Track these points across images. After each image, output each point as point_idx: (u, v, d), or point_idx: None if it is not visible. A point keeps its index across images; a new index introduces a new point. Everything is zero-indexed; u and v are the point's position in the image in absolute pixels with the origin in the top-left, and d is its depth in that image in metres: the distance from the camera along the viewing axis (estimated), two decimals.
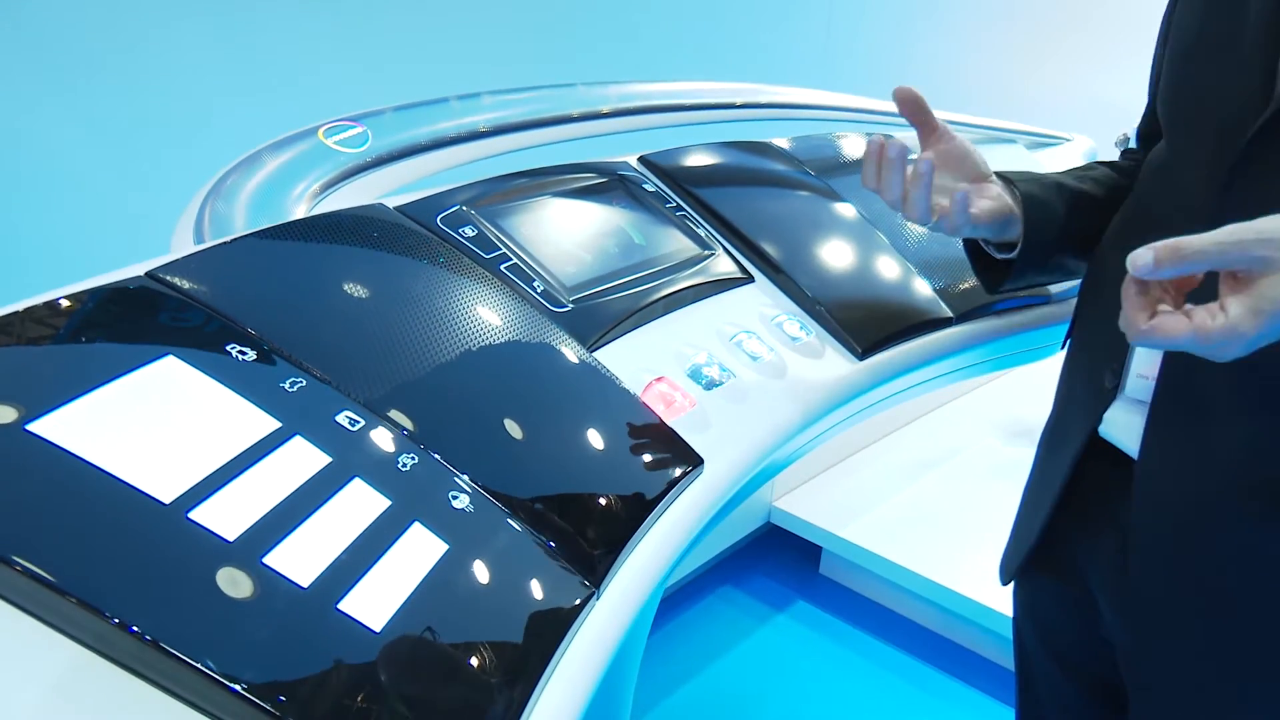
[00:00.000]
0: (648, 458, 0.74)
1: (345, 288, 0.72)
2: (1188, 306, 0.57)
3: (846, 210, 1.16)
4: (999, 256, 0.90)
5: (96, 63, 1.32)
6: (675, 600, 2.22)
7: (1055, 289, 1.16)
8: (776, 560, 2.38)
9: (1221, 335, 0.54)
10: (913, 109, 0.86)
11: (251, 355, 0.62)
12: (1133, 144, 0.96)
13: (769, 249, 1.04)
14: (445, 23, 1.64)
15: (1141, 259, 0.55)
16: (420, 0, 1.60)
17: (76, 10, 1.29)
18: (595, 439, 0.72)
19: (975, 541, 2.11)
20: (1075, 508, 0.82)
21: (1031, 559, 0.87)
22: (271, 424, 0.57)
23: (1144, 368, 0.72)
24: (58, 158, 1.31)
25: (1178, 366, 0.69)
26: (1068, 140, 1.67)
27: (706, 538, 1.94)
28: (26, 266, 1.31)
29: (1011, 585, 0.95)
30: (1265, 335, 0.54)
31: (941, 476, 2.43)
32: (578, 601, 0.60)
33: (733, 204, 1.09)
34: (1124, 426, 0.75)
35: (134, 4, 1.34)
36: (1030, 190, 0.86)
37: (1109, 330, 0.70)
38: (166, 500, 0.50)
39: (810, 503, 2.30)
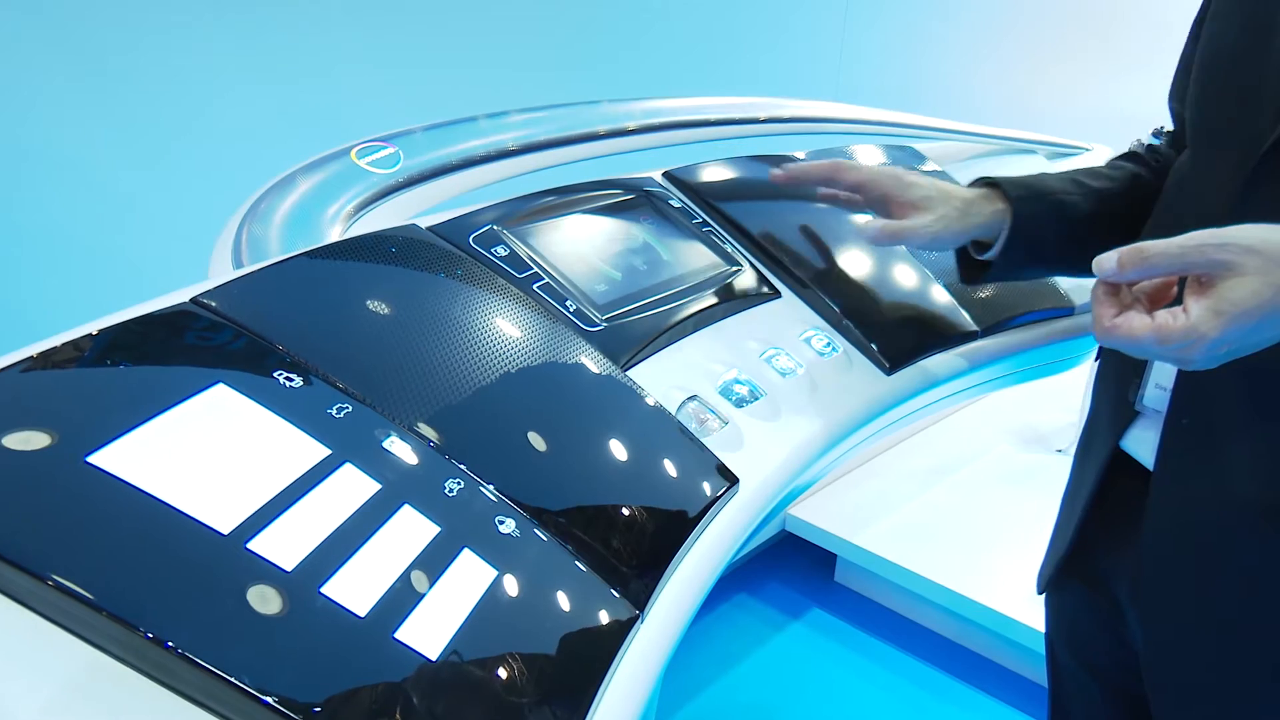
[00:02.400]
0: (686, 478, 0.74)
1: (384, 310, 0.72)
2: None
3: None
4: (977, 257, 0.94)
5: (109, 54, 1.31)
6: None
7: (1080, 301, 1.16)
8: (791, 567, 2.38)
9: (1181, 335, 0.55)
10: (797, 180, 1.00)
11: (298, 381, 0.62)
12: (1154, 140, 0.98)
13: (795, 264, 1.04)
14: (465, 29, 1.64)
15: (1107, 262, 0.58)
16: (441, 6, 1.60)
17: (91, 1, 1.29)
18: (635, 460, 0.73)
19: (990, 548, 2.11)
20: (1102, 520, 0.83)
21: (1063, 568, 0.88)
22: (322, 451, 0.58)
23: (1163, 378, 0.73)
24: (62, 148, 1.31)
25: (1190, 378, 0.70)
26: (1087, 150, 1.67)
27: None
28: (25, 260, 1.31)
29: (1036, 594, 0.96)
30: (1229, 339, 0.55)
31: (956, 483, 2.43)
32: (624, 625, 0.61)
33: (757, 219, 1.09)
34: (1143, 440, 0.77)
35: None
36: (1024, 211, 0.89)
37: None
38: (225, 531, 0.50)
39: (825, 510, 2.30)
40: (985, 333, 1.07)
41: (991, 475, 2.47)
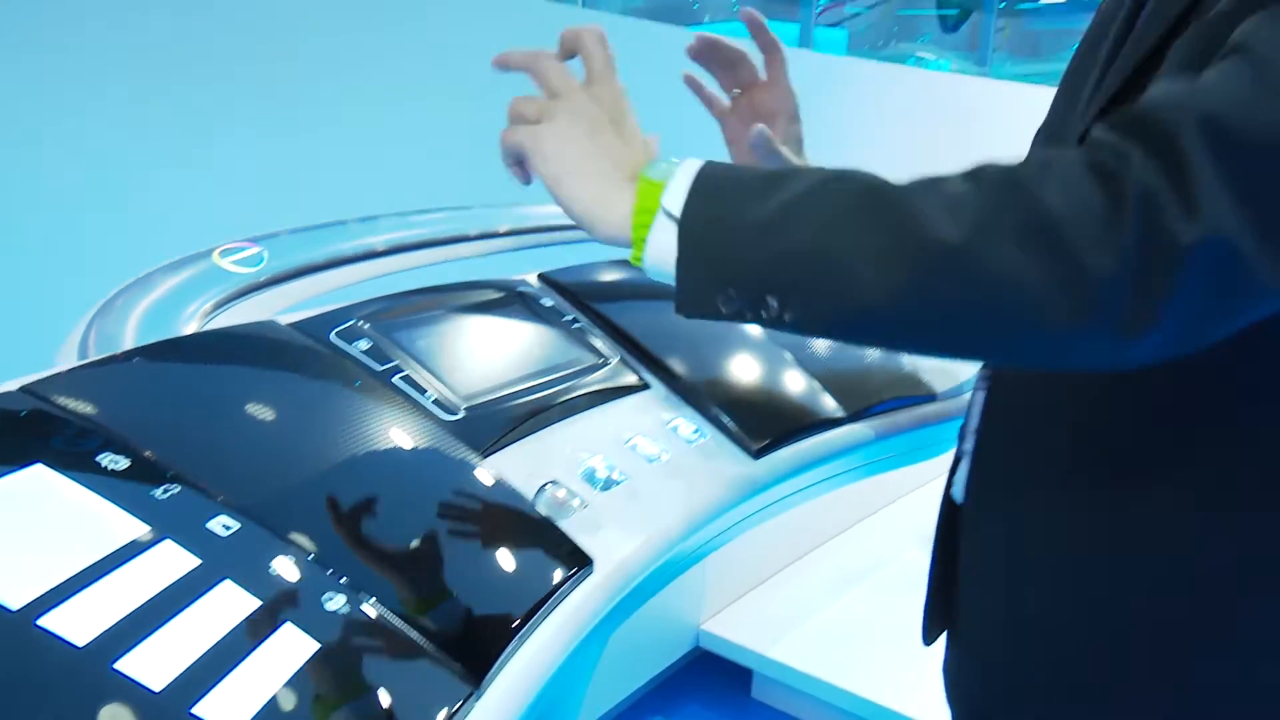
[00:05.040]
0: (535, 559, 0.74)
1: (226, 399, 0.72)
2: None
3: None
4: None
5: None
6: None
7: (940, 388, 1.21)
8: (707, 687, 2.31)
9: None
10: (757, 29, 0.85)
11: (124, 464, 0.61)
12: None
13: (664, 356, 1.07)
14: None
15: None
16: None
17: None
18: (481, 542, 0.73)
19: (904, 654, 2.09)
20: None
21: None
22: (140, 528, 0.57)
23: (975, 423, 0.75)
24: None
25: (990, 415, 0.73)
26: None
27: (633, 666, 1.88)
28: None
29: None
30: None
31: (868, 589, 2.42)
32: (458, 702, 0.59)
33: (628, 316, 1.13)
34: (959, 482, 0.78)
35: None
36: None
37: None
38: (14, 607, 0.48)
39: (737, 623, 2.26)
40: (851, 418, 1.10)
41: (902, 579, 2.47)
